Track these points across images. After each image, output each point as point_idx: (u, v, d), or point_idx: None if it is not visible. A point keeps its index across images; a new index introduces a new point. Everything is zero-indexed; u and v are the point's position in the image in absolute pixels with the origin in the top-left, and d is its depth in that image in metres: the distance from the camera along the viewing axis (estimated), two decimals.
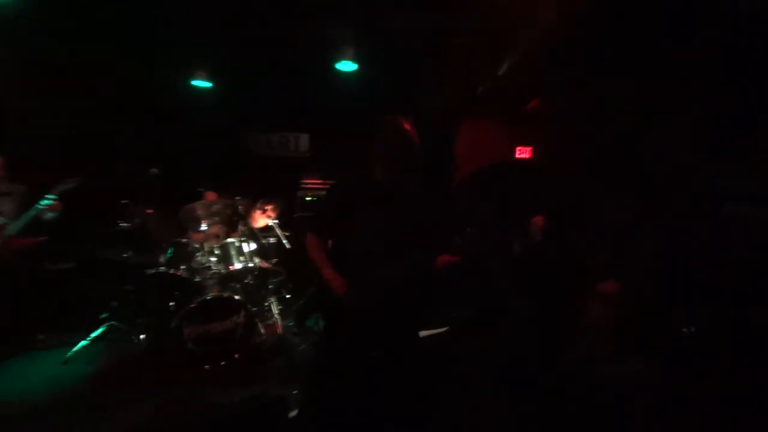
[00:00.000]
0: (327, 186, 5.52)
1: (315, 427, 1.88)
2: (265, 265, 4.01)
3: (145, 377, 3.00)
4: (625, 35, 3.15)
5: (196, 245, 3.72)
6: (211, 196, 4.21)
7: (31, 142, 3.93)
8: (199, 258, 3.63)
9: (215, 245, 3.74)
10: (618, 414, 1.78)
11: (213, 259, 3.67)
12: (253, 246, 3.92)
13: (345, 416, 1.81)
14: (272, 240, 4.21)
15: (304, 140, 5.92)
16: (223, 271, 3.59)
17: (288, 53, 4.29)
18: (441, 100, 5.06)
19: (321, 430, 1.86)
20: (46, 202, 3.13)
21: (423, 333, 2.39)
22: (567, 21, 2.97)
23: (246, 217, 4.04)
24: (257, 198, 4.20)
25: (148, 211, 3.26)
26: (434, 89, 4.89)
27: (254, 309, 3.57)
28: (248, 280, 3.76)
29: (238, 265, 3.61)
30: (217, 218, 3.95)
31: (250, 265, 3.68)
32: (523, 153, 5.54)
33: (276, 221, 4.23)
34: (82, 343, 3.33)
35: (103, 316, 3.58)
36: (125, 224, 3.50)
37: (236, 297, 3.31)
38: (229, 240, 3.71)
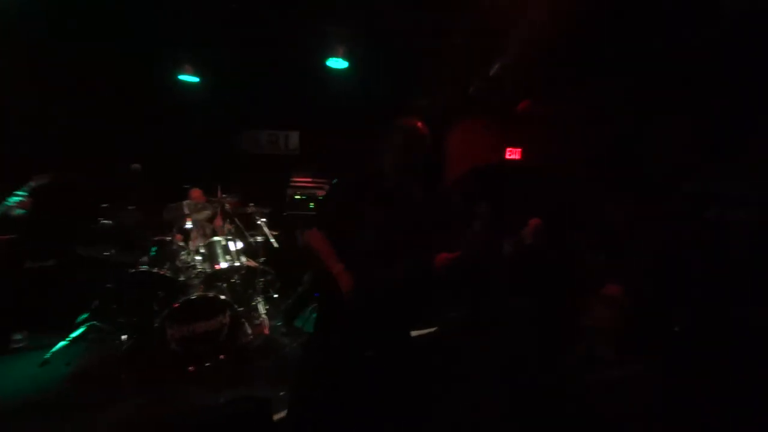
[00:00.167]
0: (317, 184, 5.55)
1: (305, 428, 1.86)
2: (252, 264, 3.95)
3: (127, 379, 2.92)
4: (621, 35, 3.16)
5: (181, 243, 3.63)
6: (196, 193, 4.13)
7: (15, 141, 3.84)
8: (183, 256, 3.55)
9: (200, 243, 3.66)
10: (618, 415, 1.78)
11: (198, 257, 3.59)
12: (240, 244, 3.85)
13: (337, 416, 1.79)
14: (260, 238, 4.15)
15: (293, 138, 5.86)
16: (208, 270, 3.51)
17: (278, 50, 4.23)
18: (433, 100, 5.04)
19: (312, 429, 1.84)
20: (15, 198, 3.02)
21: (413, 333, 2.38)
22: (559, 21, 2.97)
23: (233, 215, 3.98)
24: (246, 196, 4.14)
25: (130, 207, 3.16)
26: (426, 89, 4.88)
27: (241, 309, 3.50)
28: (235, 279, 3.69)
29: (224, 264, 3.53)
30: (202, 216, 3.88)
31: (237, 264, 3.61)
32: (513, 154, 5.56)
33: (264, 219, 4.17)
34: (61, 343, 3.22)
35: (84, 316, 3.48)
36: (106, 221, 3.40)
37: (222, 297, 3.24)
38: (215, 238, 3.64)
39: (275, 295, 4.43)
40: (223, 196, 3.90)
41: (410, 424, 1.87)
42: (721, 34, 2.66)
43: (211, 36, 4.01)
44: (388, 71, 4.70)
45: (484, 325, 2.76)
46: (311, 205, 5.44)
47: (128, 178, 3.03)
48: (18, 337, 3.49)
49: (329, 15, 3.71)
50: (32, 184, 3.09)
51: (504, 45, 3.62)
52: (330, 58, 4.20)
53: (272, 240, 4.08)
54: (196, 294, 3.18)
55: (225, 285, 3.59)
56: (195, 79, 4.70)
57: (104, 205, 3.42)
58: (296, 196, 5.47)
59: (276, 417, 2.16)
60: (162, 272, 3.34)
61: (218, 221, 4.09)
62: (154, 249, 3.43)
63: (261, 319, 3.84)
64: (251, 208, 4.19)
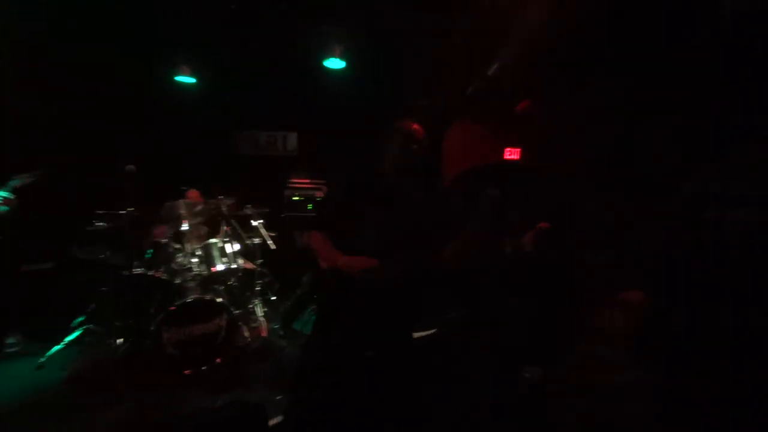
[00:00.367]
0: (315, 185, 5.52)
1: (305, 428, 1.84)
2: (249, 266, 3.91)
3: (123, 382, 2.87)
4: (621, 35, 3.16)
5: (177, 245, 3.60)
6: (193, 194, 4.10)
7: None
8: (179, 259, 3.50)
9: (196, 245, 3.62)
10: (618, 416, 1.77)
11: (194, 260, 3.55)
12: (237, 246, 3.82)
13: (336, 416, 1.78)
14: (257, 240, 4.11)
15: (292, 139, 5.83)
16: (205, 272, 3.47)
17: (277, 51, 4.21)
18: (432, 100, 5.03)
19: (311, 430, 1.82)
20: None
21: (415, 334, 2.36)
22: (559, 21, 2.97)
23: (230, 216, 3.94)
24: (243, 197, 4.11)
25: (126, 209, 3.13)
26: (425, 89, 4.86)
27: (238, 311, 3.47)
28: (232, 281, 3.65)
29: (220, 267, 3.50)
30: (199, 218, 3.85)
31: (234, 266, 3.58)
32: (512, 154, 5.54)
33: (261, 221, 4.14)
34: (57, 347, 3.18)
35: (80, 319, 3.43)
36: (101, 223, 3.36)
37: (218, 299, 3.21)
38: (212, 240, 3.60)
39: (273, 298, 4.39)
40: (220, 197, 3.86)
41: (410, 425, 1.87)
42: (721, 34, 2.66)
43: (210, 36, 3.99)
44: (387, 71, 4.68)
45: (484, 325, 2.75)
46: (309, 206, 5.41)
47: (123, 180, 2.98)
48: (12, 341, 3.44)
49: (328, 15, 3.69)
50: (14, 182, 3.02)
51: (503, 45, 3.61)
52: (328, 59, 4.18)
53: (270, 242, 4.04)
54: (192, 297, 3.15)
55: (222, 287, 3.55)
56: (193, 80, 4.67)
57: (99, 211, 3.37)
58: (294, 198, 5.44)
59: (272, 422, 2.13)
60: (158, 275, 3.31)
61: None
62: (149, 251, 3.39)
63: (259, 321, 3.80)
64: (248, 209, 4.16)
